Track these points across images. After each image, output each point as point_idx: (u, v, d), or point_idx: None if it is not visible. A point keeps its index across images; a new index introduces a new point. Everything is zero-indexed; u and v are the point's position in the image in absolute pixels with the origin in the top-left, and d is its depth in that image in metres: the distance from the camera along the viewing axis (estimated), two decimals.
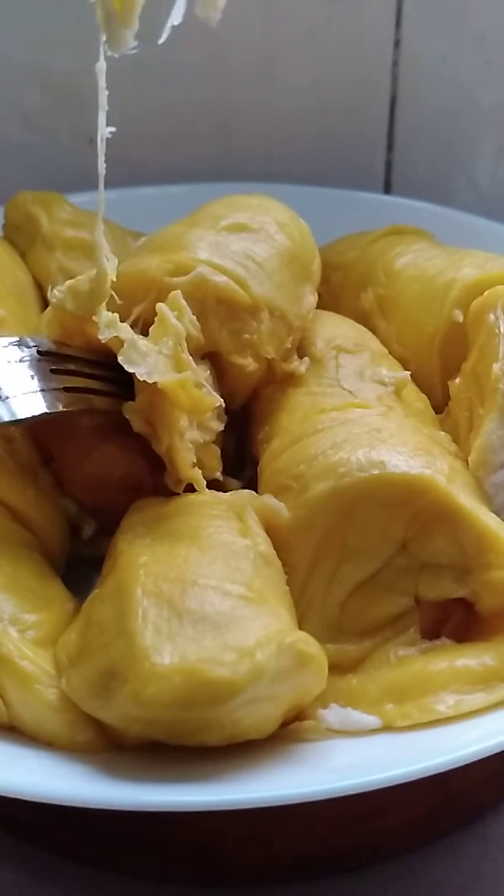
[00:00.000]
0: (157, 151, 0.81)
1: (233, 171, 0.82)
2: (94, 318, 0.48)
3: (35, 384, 0.49)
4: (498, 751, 0.40)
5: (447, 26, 0.77)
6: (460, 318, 0.55)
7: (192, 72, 0.78)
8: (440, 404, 0.56)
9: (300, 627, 0.44)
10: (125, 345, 0.47)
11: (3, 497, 0.50)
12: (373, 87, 0.81)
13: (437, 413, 0.56)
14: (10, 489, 0.50)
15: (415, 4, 0.77)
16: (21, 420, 0.48)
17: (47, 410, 0.48)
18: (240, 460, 0.56)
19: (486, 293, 0.53)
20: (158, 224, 0.59)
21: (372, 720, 0.43)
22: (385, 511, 0.46)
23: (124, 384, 0.50)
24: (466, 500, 0.46)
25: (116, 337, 0.47)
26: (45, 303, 0.62)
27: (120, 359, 0.47)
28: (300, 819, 0.44)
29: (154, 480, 0.51)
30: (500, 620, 0.45)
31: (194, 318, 0.51)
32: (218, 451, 0.52)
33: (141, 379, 0.47)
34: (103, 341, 0.48)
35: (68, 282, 0.50)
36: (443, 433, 0.52)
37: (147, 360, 0.47)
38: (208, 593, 0.41)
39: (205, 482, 0.49)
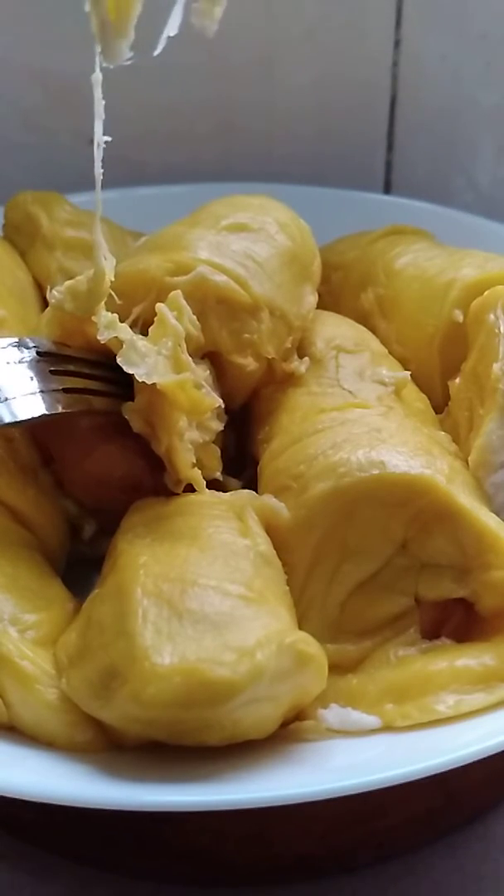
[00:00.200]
0: (157, 151, 0.81)
1: (233, 171, 0.82)
2: (93, 318, 0.49)
3: (34, 385, 0.49)
4: (498, 751, 0.40)
5: (447, 26, 0.77)
6: (460, 318, 0.55)
7: (193, 72, 0.78)
8: (440, 404, 0.56)
9: (300, 627, 0.44)
10: (124, 346, 0.47)
11: (4, 497, 0.50)
12: (373, 87, 0.81)
13: (437, 413, 0.56)
14: (11, 489, 0.50)
15: (415, 4, 0.77)
16: (20, 422, 0.48)
17: (46, 412, 0.48)
18: (240, 460, 0.56)
19: (486, 293, 0.53)
20: (158, 224, 0.59)
21: (372, 720, 0.43)
22: (385, 511, 0.46)
23: (124, 384, 0.50)
24: (466, 500, 0.46)
25: (116, 337, 0.47)
26: (45, 303, 0.62)
27: (119, 360, 0.47)
28: (300, 819, 0.44)
29: (154, 480, 0.51)
30: (500, 620, 0.45)
31: (194, 317, 0.51)
32: (218, 451, 0.52)
33: (140, 380, 0.47)
34: (102, 342, 0.48)
35: (67, 282, 0.50)
36: (443, 433, 0.52)
37: (146, 361, 0.47)
38: (208, 593, 0.41)
39: (204, 482, 0.49)
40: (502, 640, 0.45)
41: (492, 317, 0.52)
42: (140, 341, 0.48)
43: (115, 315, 0.48)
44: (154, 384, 0.47)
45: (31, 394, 0.48)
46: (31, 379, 0.49)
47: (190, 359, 0.48)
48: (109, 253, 0.48)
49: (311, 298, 0.58)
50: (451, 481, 0.46)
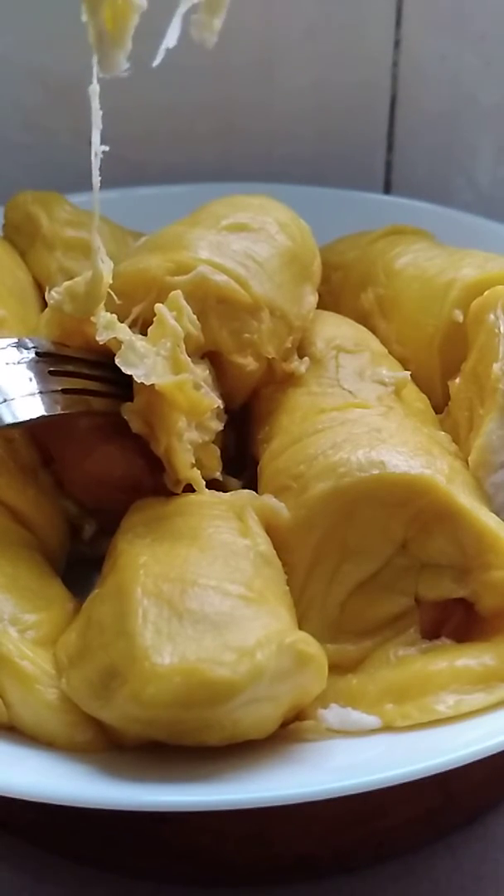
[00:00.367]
0: (158, 151, 0.81)
1: (233, 171, 0.82)
2: (92, 319, 0.49)
3: (34, 386, 0.49)
4: (498, 751, 0.40)
5: (447, 26, 0.77)
6: (460, 318, 0.55)
7: (193, 72, 0.78)
8: (440, 404, 0.56)
9: (300, 627, 0.44)
10: (122, 346, 0.47)
11: (4, 497, 0.50)
12: (373, 87, 0.81)
13: (437, 413, 0.56)
14: (11, 489, 0.50)
15: (415, 4, 0.77)
16: (19, 423, 0.48)
17: (46, 413, 0.48)
18: (240, 460, 0.56)
19: (486, 293, 0.53)
20: (159, 224, 0.59)
21: (372, 720, 0.43)
22: (385, 511, 0.46)
23: (124, 384, 0.50)
24: (466, 500, 0.46)
25: (115, 338, 0.47)
26: (45, 303, 0.62)
27: (117, 361, 0.47)
28: (300, 819, 0.44)
29: (154, 480, 0.51)
30: (500, 620, 0.45)
31: (194, 317, 0.51)
32: (217, 451, 0.52)
33: (138, 381, 0.47)
34: (101, 343, 0.48)
35: (66, 283, 0.50)
36: (443, 433, 0.52)
37: (145, 362, 0.47)
38: (208, 593, 0.41)
39: (204, 482, 0.49)
40: (502, 640, 0.45)
41: (492, 317, 0.52)
42: (139, 342, 0.48)
43: (114, 315, 0.48)
44: (153, 385, 0.47)
45: (31, 395, 0.48)
46: (31, 380, 0.49)
47: (189, 359, 0.48)
48: (108, 256, 0.48)
49: (312, 298, 0.58)
50: (451, 481, 0.46)
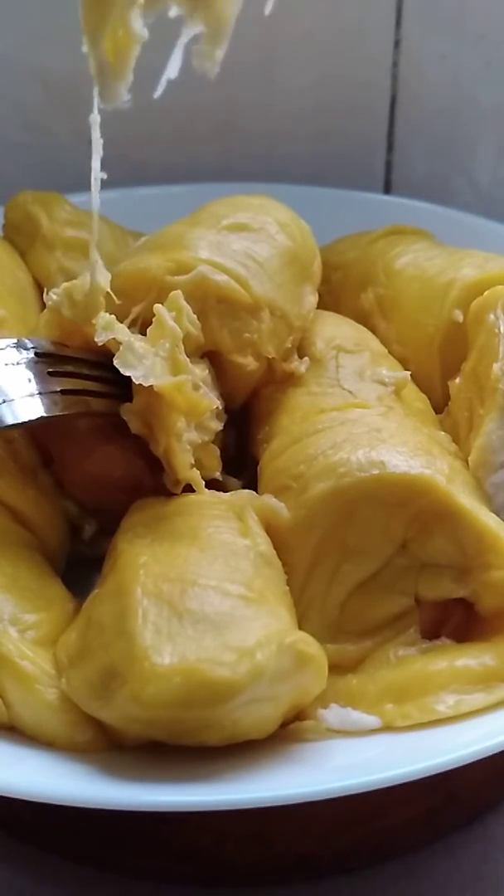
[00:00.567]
0: (158, 151, 0.81)
1: (233, 171, 0.82)
2: (92, 321, 0.49)
3: (33, 387, 0.49)
4: (498, 751, 0.40)
5: (447, 26, 0.77)
6: (460, 318, 0.55)
7: (193, 72, 0.77)
8: (440, 404, 0.56)
9: (300, 627, 0.44)
10: (121, 347, 0.47)
11: (4, 497, 0.50)
12: (373, 87, 0.81)
13: (437, 413, 0.56)
14: (11, 489, 0.50)
15: (415, 4, 0.77)
16: (20, 424, 0.48)
17: (45, 414, 0.48)
18: (240, 460, 0.56)
19: (486, 293, 0.53)
20: (158, 224, 0.59)
21: (372, 720, 0.43)
22: (385, 511, 0.46)
23: (123, 384, 0.50)
24: (466, 500, 0.46)
25: (114, 338, 0.47)
26: (45, 303, 0.62)
27: (116, 362, 0.47)
28: (300, 819, 0.44)
29: (154, 480, 0.51)
30: (500, 620, 0.45)
31: (194, 317, 0.51)
32: (217, 450, 0.52)
33: (137, 382, 0.47)
34: (99, 344, 0.48)
35: (64, 284, 0.50)
36: (443, 433, 0.52)
37: (144, 363, 0.47)
38: (208, 593, 0.41)
39: (203, 482, 0.49)
40: (502, 640, 0.45)
41: (492, 317, 0.52)
42: (138, 342, 0.48)
43: (113, 316, 0.48)
44: (151, 386, 0.47)
45: (30, 395, 0.48)
46: (30, 380, 0.49)
47: (188, 360, 0.48)
48: (107, 257, 0.48)
49: (312, 298, 0.58)
50: (451, 481, 0.46)
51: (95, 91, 0.40)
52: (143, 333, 0.49)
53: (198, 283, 0.52)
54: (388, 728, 0.42)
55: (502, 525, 0.46)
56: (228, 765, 0.40)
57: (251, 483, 0.52)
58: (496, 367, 0.50)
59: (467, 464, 0.49)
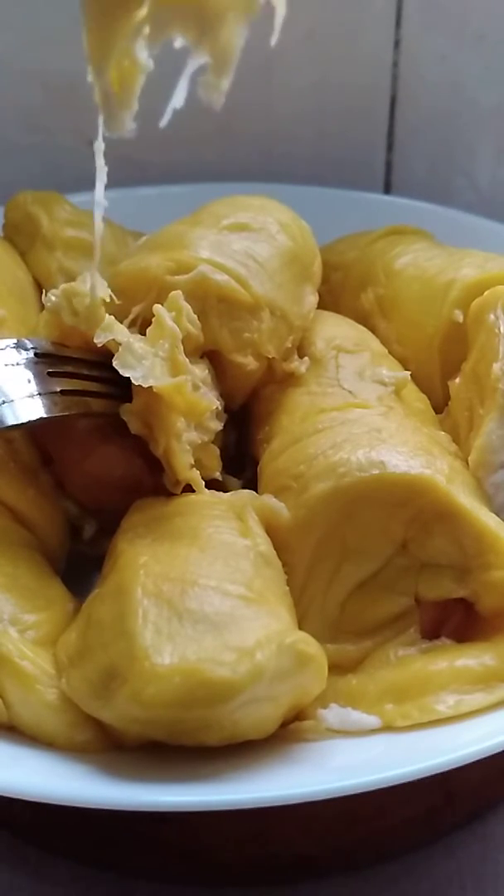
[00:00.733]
0: (158, 152, 0.81)
1: (233, 171, 0.81)
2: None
3: (33, 388, 0.49)
4: (498, 751, 0.40)
5: (447, 26, 0.77)
6: (460, 318, 0.55)
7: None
8: (440, 404, 0.56)
9: (300, 627, 0.44)
10: (120, 348, 0.47)
11: (4, 497, 0.50)
12: (373, 87, 0.81)
13: (437, 413, 0.56)
14: (11, 489, 0.50)
15: (415, 4, 0.77)
16: (18, 425, 0.48)
17: (45, 415, 0.48)
18: (240, 460, 0.56)
19: (486, 293, 0.53)
20: (158, 224, 0.59)
21: (372, 720, 0.43)
22: (385, 511, 0.46)
23: (123, 384, 0.50)
24: (466, 500, 0.46)
25: (113, 339, 0.47)
26: (44, 303, 0.62)
27: (115, 363, 0.47)
28: (300, 819, 0.44)
29: (154, 480, 0.51)
30: (500, 620, 0.45)
31: (194, 316, 0.51)
32: (217, 450, 0.52)
33: (136, 383, 0.47)
34: (99, 346, 0.48)
35: (63, 286, 0.50)
36: (443, 433, 0.52)
37: (143, 364, 0.47)
38: (208, 593, 0.41)
39: (203, 483, 0.49)
40: (502, 640, 0.45)
41: (492, 317, 0.52)
42: (137, 343, 0.48)
43: (112, 317, 0.48)
44: (151, 386, 0.47)
45: (30, 396, 0.48)
46: (30, 381, 0.49)
47: (187, 360, 0.48)
48: (107, 258, 0.48)
49: (312, 298, 0.58)
50: (451, 481, 0.46)
51: (100, 120, 0.40)
52: (144, 333, 0.49)
53: (198, 283, 0.52)
54: (387, 728, 0.42)
55: (502, 525, 0.46)
56: (228, 765, 0.40)
57: (251, 483, 0.52)
58: (496, 367, 0.50)
59: (467, 464, 0.49)
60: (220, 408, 0.52)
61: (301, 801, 0.38)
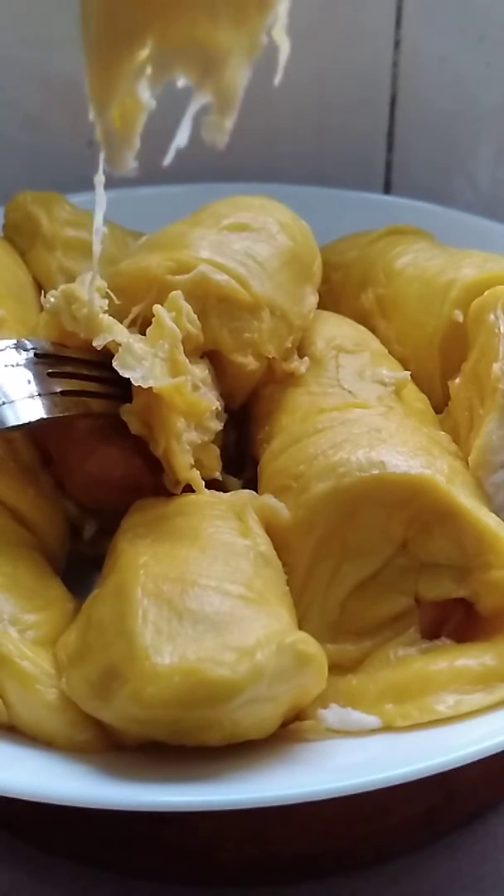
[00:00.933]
0: (158, 151, 0.81)
1: (233, 171, 0.81)
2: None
3: (32, 388, 0.49)
4: (498, 751, 0.40)
5: (447, 26, 0.77)
6: (460, 317, 0.55)
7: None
8: (440, 404, 0.56)
9: (300, 627, 0.44)
10: (120, 349, 0.47)
11: (4, 497, 0.50)
12: (373, 87, 0.81)
13: (437, 413, 0.56)
14: (11, 489, 0.50)
15: (415, 4, 0.77)
16: (19, 426, 0.48)
17: (45, 416, 0.48)
18: (240, 460, 0.56)
19: (486, 293, 0.53)
20: (158, 224, 0.59)
21: (372, 720, 0.43)
22: (385, 511, 0.46)
23: (123, 384, 0.50)
24: (466, 500, 0.46)
25: (113, 340, 0.47)
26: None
27: (115, 363, 0.47)
28: (300, 819, 0.44)
29: (154, 480, 0.51)
30: (500, 620, 0.45)
31: (194, 316, 0.51)
32: (217, 450, 0.52)
33: (136, 384, 0.47)
34: (98, 348, 0.48)
35: (62, 287, 0.50)
36: (443, 433, 0.52)
37: (143, 364, 0.47)
38: (208, 593, 0.41)
39: (203, 483, 0.49)
40: (502, 640, 0.45)
41: (492, 317, 0.52)
42: (137, 343, 0.48)
43: (113, 318, 0.48)
44: (151, 387, 0.47)
45: (30, 397, 0.48)
46: (30, 382, 0.49)
47: (187, 360, 0.48)
48: (107, 258, 0.48)
49: (312, 298, 0.58)
50: (451, 481, 0.46)
51: (101, 156, 0.40)
52: (144, 333, 0.49)
53: (198, 283, 0.52)
54: (388, 728, 0.42)
55: (502, 525, 0.46)
56: (228, 765, 0.40)
57: (251, 483, 0.52)
58: (496, 366, 0.50)
59: (467, 464, 0.49)
60: (220, 408, 0.52)
61: (301, 801, 0.38)
